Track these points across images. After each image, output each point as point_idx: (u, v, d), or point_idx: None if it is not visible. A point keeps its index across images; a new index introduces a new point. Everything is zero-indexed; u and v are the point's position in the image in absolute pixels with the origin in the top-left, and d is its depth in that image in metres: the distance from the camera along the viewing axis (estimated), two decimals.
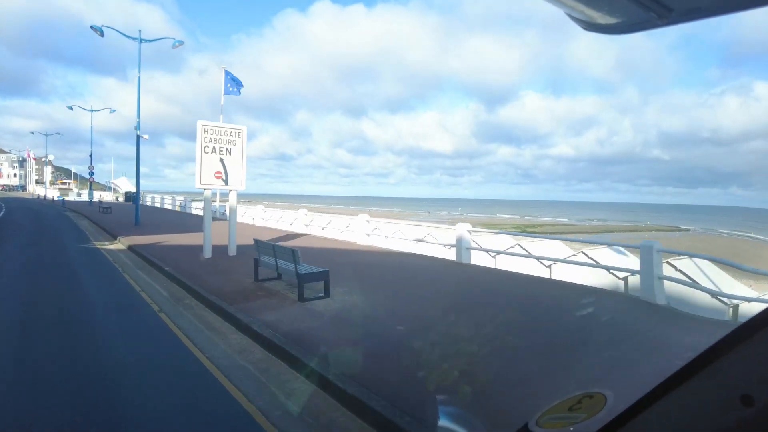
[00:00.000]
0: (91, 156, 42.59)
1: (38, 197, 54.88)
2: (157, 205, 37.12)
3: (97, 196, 65.82)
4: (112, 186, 73.69)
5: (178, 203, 34.82)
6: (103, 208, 29.03)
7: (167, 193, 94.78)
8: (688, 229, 75.36)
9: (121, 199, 50.84)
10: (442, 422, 1.44)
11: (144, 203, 36.90)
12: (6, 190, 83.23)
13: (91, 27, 19.92)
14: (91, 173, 34.74)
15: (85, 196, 54.64)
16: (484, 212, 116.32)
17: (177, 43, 21.36)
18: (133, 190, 30.23)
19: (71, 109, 36.81)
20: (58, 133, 53.29)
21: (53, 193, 56.78)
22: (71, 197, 54.06)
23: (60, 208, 34.15)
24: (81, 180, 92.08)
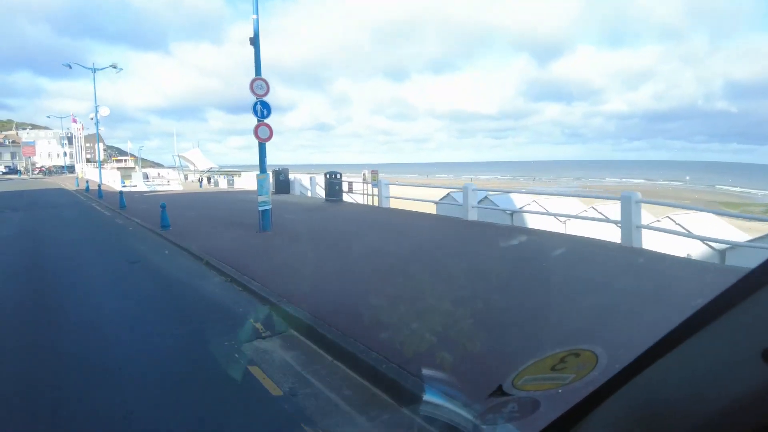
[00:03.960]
0: (97, 123, 33.95)
1: (83, 184, 32.54)
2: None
3: (155, 174, 54.42)
4: (181, 161, 61.85)
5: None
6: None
7: (235, 168, 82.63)
8: None
9: (240, 182, 38.09)
10: (428, 397, 1.57)
11: (302, 185, 24.79)
12: (45, 173, 71.66)
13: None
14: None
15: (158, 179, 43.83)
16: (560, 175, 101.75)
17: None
18: (210, 165, 32.82)
19: (70, 67, 32.42)
20: (98, 106, 43.59)
21: (112, 176, 39.52)
22: (137, 181, 40.12)
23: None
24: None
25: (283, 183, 24.20)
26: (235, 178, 42.94)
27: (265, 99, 11.54)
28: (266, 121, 11.61)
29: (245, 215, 14.82)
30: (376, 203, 17.20)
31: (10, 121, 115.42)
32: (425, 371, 3.22)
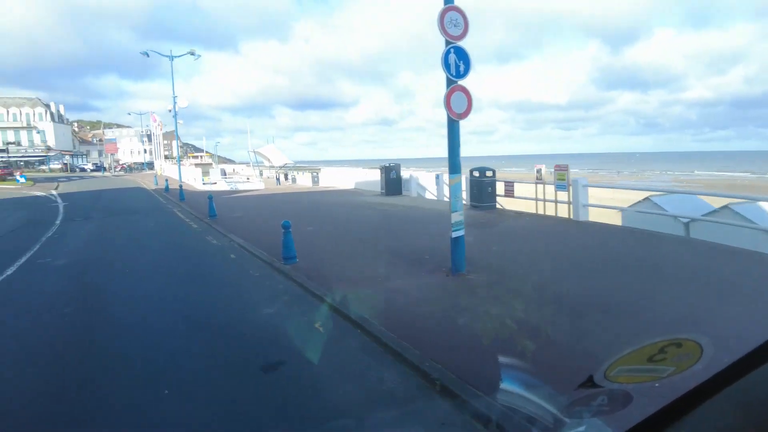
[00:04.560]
0: (175, 116, 31.41)
1: (162, 182, 30.01)
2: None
3: (230, 171, 52.11)
4: (256, 157, 59.28)
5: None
6: None
7: (302, 164, 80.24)
8: None
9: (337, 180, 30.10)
10: (505, 385, 1.50)
11: (419, 185, 19.94)
12: (126, 170, 71.14)
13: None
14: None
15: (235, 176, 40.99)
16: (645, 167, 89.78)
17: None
18: (285, 161, 30.45)
19: (147, 55, 29.72)
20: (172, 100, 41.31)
21: (190, 173, 35.02)
22: (215, 178, 35.38)
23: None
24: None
25: (394, 182, 19.42)
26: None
27: (461, 44, 6.60)
28: (463, 82, 6.67)
29: (394, 236, 10.08)
30: (557, 212, 11.87)
31: (98, 122, 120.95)
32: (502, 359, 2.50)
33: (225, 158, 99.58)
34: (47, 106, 75.25)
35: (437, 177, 17.84)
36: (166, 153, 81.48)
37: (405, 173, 19.97)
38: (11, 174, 49.51)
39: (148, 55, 29.76)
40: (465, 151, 7.22)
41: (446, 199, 17.93)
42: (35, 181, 37.80)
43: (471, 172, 14.38)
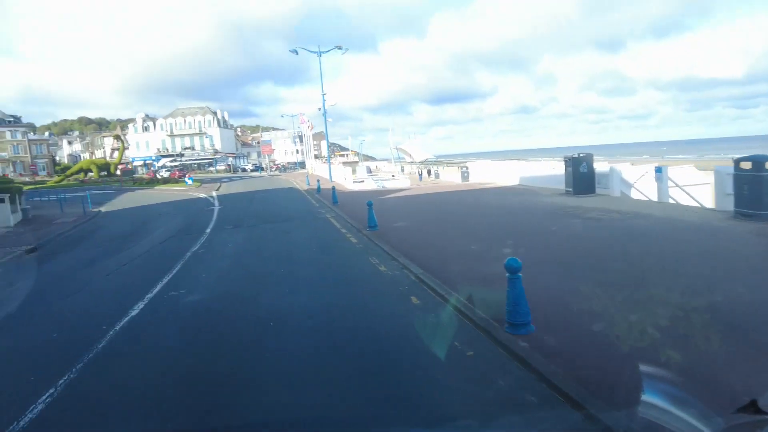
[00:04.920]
0: (324, 114, 31.83)
1: (314, 182, 27.85)
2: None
3: (373, 167, 51.43)
4: (398, 153, 58.16)
5: None
6: None
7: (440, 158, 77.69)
8: None
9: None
10: (647, 397, 1.38)
11: (624, 181, 15.32)
12: (281, 170, 74.76)
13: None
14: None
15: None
16: None
17: None
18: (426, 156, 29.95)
19: (296, 53, 29.52)
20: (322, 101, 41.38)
21: (341, 173, 32.07)
22: (362, 176, 32.01)
23: None
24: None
25: (585, 177, 15.01)
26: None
27: None
28: None
29: (681, 278, 6.17)
30: None
31: (257, 126, 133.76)
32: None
33: (367, 156, 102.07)
34: (214, 113, 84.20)
35: (658, 171, 13.02)
36: (315, 153, 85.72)
37: (600, 166, 15.43)
38: (184, 176, 55.89)
39: (296, 53, 29.38)
40: (616, 137, 3.25)
41: (674, 201, 13.07)
42: (202, 182, 40.91)
43: (737, 163, 9.57)
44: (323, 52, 30.01)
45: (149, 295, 6.99)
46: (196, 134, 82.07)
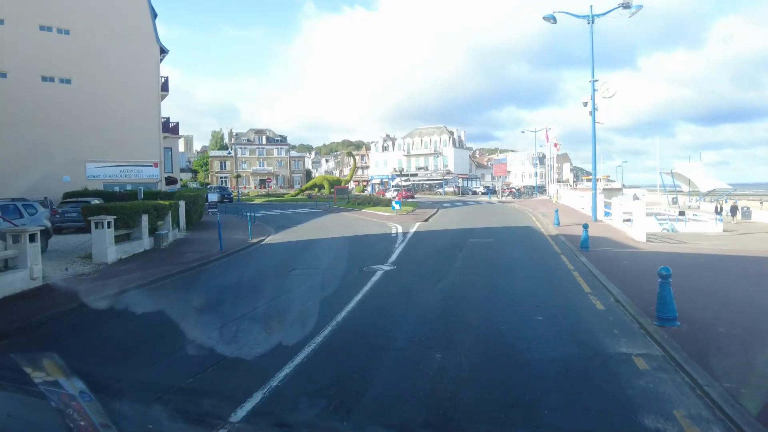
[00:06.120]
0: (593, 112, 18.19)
1: (565, 219, 20.84)
2: None
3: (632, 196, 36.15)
4: (674, 179, 41.23)
5: None
6: None
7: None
8: None
9: None
10: None
11: None
12: (515, 195, 56.88)
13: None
14: None
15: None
16: None
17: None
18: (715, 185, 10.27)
19: (553, 19, 20.64)
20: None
21: (589, 202, 23.59)
22: (634, 208, 22.10)
23: None
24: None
25: None
26: None
27: None
28: None
29: None
30: None
31: (496, 149, 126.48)
32: None
33: (611, 180, 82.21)
34: (451, 132, 79.55)
35: None
36: (558, 177, 71.98)
37: None
38: (412, 196, 51.01)
39: (554, 20, 19.13)
40: None
41: None
42: (419, 206, 33.97)
43: None
44: (597, 15, 18.96)
45: None
46: (430, 154, 79.02)
